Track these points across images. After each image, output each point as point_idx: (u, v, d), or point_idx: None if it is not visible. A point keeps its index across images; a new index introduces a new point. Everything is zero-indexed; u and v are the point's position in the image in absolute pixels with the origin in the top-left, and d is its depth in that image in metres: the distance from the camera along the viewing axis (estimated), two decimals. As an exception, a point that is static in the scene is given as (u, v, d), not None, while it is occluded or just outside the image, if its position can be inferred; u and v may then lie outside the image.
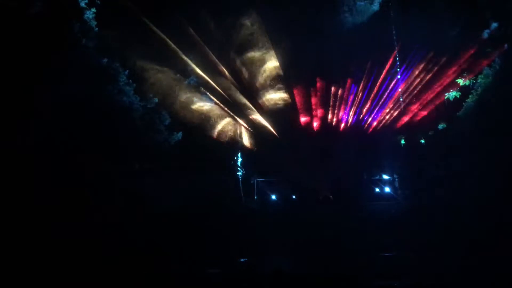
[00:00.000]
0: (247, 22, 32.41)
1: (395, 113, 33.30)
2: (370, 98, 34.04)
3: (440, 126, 29.83)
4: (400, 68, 32.49)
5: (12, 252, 15.00)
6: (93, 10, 24.48)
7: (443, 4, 28.88)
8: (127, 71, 26.01)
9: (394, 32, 31.97)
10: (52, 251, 15.90)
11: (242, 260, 20.77)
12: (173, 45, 30.31)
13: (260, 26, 32.51)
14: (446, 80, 30.03)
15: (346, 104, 35.00)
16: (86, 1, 24.23)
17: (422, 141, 30.95)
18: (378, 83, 33.53)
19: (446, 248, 19.50)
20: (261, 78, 33.74)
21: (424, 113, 31.70)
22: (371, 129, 34.24)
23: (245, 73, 33.58)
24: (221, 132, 33.57)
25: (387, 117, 33.75)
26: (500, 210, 20.20)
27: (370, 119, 34.44)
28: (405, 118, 32.65)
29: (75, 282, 14.56)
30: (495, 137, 23.19)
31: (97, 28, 24.67)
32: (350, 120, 35.12)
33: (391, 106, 33.49)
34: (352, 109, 34.97)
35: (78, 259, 16.00)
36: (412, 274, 16.85)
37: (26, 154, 17.24)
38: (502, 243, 17.44)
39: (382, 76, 33.32)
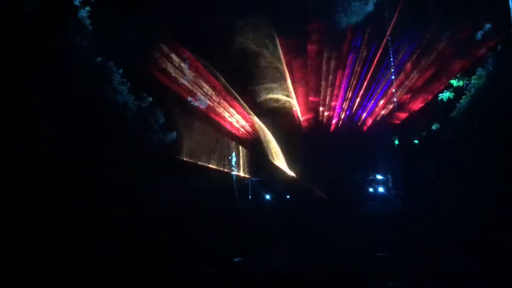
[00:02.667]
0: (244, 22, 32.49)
1: (389, 113, 33.46)
2: (364, 97, 34.24)
3: (434, 127, 29.96)
4: (394, 68, 32.66)
5: (13, 252, 14.95)
6: (87, 8, 24.25)
7: (437, 5, 29.04)
8: (121, 70, 25.82)
9: (388, 33, 32.17)
10: (50, 252, 15.84)
11: (236, 260, 20.77)
12: (168, 43, 30.27)
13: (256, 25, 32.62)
14: (439, 81, 30.20)
15: (340, 104, 35.17)
16: (81, -1, 24.04)
17: (416, 141, 31.10)
18: (373, 83, 33.73)
19: (440, 247, 19.56)
20: (257, 78, 33.75)
21: (418, 113, 31.84)
22: (365, 128, 34.38)
23: (241, 73, 33.56)
24: (215, 132, 33.55)
25: (381, 116, 33.91)
26: (494, 209, 20.31)
27: (363, 118, 34.63)
28: (399, 118, 32.78)
29: (71, 282, 14.52)
30: (488, 137, 23.29)
31: (91, 27, 24.47)
32: (344, 120, 35.26)
33: (384, 105, 33.69)
34: (346, 109, 35.14)
35: (73, 259, 15.96)
36: (405, 274, 16.89)
37: (23, 154, 17.15)
38: (496, 243, 17.54)
39: (376, 76, 33.55)
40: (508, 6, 23.76)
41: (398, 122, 32.80)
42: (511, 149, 20.96)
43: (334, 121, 35.69)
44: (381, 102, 33.92)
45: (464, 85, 28.09)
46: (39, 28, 20.28)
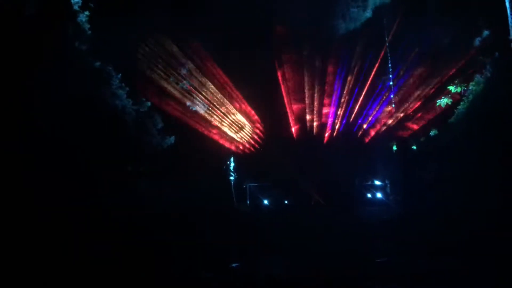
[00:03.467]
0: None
1: (387, 119, 33.61)
2: (362, 103, 34.36)
3: (432, 133, 30.08)
4: (392, 75, 32.83)
5: (13, 252, 14.86)
6: (86, 13, 24.29)
7: (435, 11, 29.27)
8: (120, 74, 25.81)
9: (386, 39, 32.38)
10: (50, 252, 15.77)
11: (234, 265, 20.68)
12: (167, 47, 30.34)
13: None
14: (437, 87, 30.40)
15: (338, 109, 35.27)
16: (80, 4, 24.05)
17: (414, 147, 31.18)
18: (370, 88, 33.87)
19: (438, 253, 19.54)
20: (255, 82, 33.77)
21: (416, 119, 32.00)
22: (363, 134, 34.50)
23: (240, 77, 33.61)
24: (214, 136, 33.58)
25: (379, 122, 34.03)
26: (494, 211, 20.35)
27: (362, 123, 34.74)
28: (397, 125, 32.92)
29: (71, 282, 14.43)
30: (486, 143, 23.40)
31: (90, 31, 24.48)
32: (342, 126, 35.37)
33: (383, 111, 33.82)
34: (344, 114, 35.24)
35: (73, 259, 15.87)
36: (403, 279, 16.83)
37: (23, 154, 17.11)
38: (495, 247, 17.53)
39: (374, 82, 33.70)
40: (506, 12, 23.95)
41: (396, 128, 32.95)
42: (509, 153, 21.07)
43: (331, 127, 35.80)
44: (380, 108, 34.04)
45: (462, 91, 28.29)
46: (37, 32, 20.30)
